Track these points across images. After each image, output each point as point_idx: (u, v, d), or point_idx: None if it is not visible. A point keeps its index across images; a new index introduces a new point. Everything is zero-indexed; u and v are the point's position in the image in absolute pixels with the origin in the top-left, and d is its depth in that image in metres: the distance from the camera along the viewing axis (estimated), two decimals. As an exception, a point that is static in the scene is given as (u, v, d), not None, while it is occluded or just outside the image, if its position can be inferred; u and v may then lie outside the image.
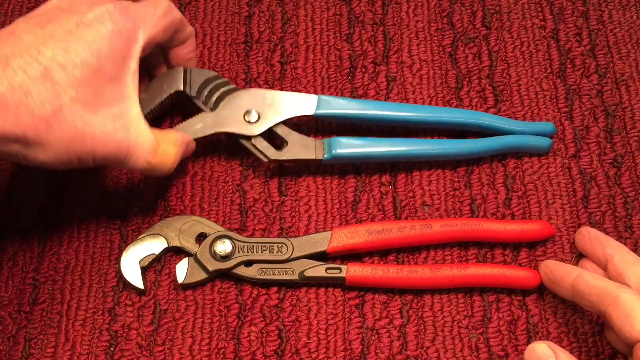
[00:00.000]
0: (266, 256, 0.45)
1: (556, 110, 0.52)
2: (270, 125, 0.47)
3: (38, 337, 0.44)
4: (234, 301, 0.45)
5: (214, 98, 0.48)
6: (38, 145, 0.37)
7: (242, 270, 0.45)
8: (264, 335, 0.44)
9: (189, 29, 0.47)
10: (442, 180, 0.49)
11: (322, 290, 0.46)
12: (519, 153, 0.50)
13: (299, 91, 0.52)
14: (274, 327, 0.45)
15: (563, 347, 0.43)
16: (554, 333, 0.44)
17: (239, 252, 0.45)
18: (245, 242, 0.45)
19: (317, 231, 0.47)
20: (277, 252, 0.45)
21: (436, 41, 0.54)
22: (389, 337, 0.44)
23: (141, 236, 0.46)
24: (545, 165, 0.50)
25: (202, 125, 0.47)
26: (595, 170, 0.49)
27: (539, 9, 0.55)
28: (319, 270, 0.45)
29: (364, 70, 0.53)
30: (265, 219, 0.48)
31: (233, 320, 0.45)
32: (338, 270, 0.44)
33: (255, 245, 0.45)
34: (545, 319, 0.45)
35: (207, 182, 0.49)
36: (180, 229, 0.46)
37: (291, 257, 0.45)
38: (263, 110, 0.47)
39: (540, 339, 0.44)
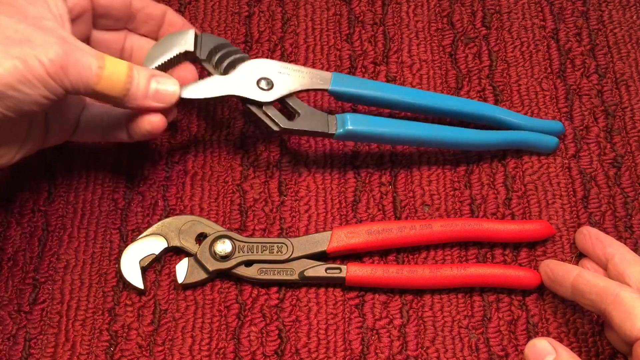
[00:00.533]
0: (266, 256, 0.45)
1: (556, 110, 0.52)
2: (284, 94, 0.45)
3: (38, 337, 0.44)
4: (234, 301, 0.45)
5: (225, 64, 0.46)
6: None
7: (242, 270, 0.45)
8: (264, 335, 0.44)
9: (154, 5, 0.45)
10: (442, 180, 0.49)
11: (322, 290, 0.46)
12: (519, 152, 0.50)
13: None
14: (274, 327, 0.45)
15: (563, 347, 0.43)
16: (554, 333, 0.44)
17: (239, 252, 0.45)
18: (245, 242, 0.45)
19: (317, 231, 0.47)
20: (277, 252, 0.45)
21: (436, 41, 0.54)
22: (389, 337, 0.44)
23: (141, 236, 0.46)
24: (545, 165, 0.50)
25: (212, 86, 0.44)
26: (595, 170, 0.49)
27: (539, 9, 0.55)
28: (318, 270, 0.45)
29: (364, 70, 0.53)
30: (265, 219, 0.48)
31: (233, 320, 0.45)
32: (338, 270, 0.44)
33: (255, 245, 0.45)
34: (545, 319, 0.45)
35: (207, 182, 0.49)
36: (180, 229, 0.46)
37: (291, 257, 0.45)
38: (277, 79, 0.45)
39: (540, 339, 0.44)
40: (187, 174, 0.50)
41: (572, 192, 0.49)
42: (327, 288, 0.46)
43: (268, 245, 0.45)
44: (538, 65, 0.53)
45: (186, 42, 0.45)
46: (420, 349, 0.44)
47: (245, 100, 0.45)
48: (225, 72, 0.45)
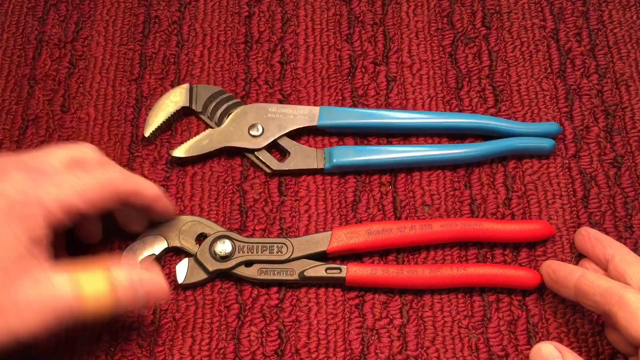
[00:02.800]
0: (266, 256, 0.45)
1: (556, 110, 0.52)
2: (274, 138, 0.49)
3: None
4: (234, 301, 0.45)
5: (219, 113, 0.50)
6: None
7: (242, 271, 0.45)
8: (264, 335, 0.44)
9: (149, 192, 0.42)
10: (442, 180, 0.49)
11: (322, 290, 0.46)
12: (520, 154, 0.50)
13: (299, 92, 0.52)
14: (274, 327, 0.45)
15: (563, 347, 0.43)
16: (554, 333, 0.44)
17: (239, 253, 0.45)
18: (245, 242, 0.45)
19: (317, 231, 0.47)
20: (277, 253, 0.45)
21: (436, 41, 0.54)
22: (389, 337, 0.44)
23: (141, 236, 0.46)
24: (545, 166, 0.50)
25: (208, 141, 0.49)
26: (595, 170, 0.49)
27: (539, 9, 0.55)
28: (319, 270, 0.45)
29: (364, 70, 0.53)
30: (265, 219, 0.48)
31: (233, 320, 0.45)
32: (338, 270, 0.44)
33: (255, 245, 0.45)
34: (545, 319, 0.45)
35: (207, 182, 0.49)
36: (180, 229, 0.46)
37: (291, 257, 0.45)
38: (267, 124, 0.49)
39: (540, 339, 0.44)
40: (187, 174, 0.50)
41: (572, 192, 0.49)
42: (327, 288, 0.46)
43: (268, 245, 0.45)
44: (538, 65, 0.53)
45: (181, 98, 0.50)
46: (420, 349, 0.44)
47: (238, 149, 0.49)
48: (220, 121, 0.50)
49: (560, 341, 0.44)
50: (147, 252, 0.45)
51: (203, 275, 0.45)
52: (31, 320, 0.34)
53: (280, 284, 0.46)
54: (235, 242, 0.45)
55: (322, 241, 0.45)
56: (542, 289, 0.45)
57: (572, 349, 0.44)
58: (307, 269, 0.45)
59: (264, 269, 0.45)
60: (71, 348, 0.44)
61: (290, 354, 0.44)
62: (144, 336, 0.44)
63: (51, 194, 0.36)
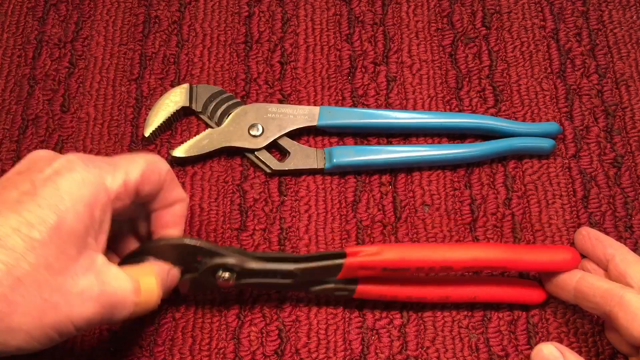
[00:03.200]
0: (271, 281, 0.42)
1: (556, 110, 0.52)
2: (274, 138, 0.49)
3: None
4: (234, 301, 0.45)
5: (219, 113, 0.50)
6: (3, 332, 0.31)
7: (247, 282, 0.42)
8: (264, 335, 0.44)
9: (178, 192, 0.41)
10: (442, 180, 0.49)
11: (322, 290, 0.46)
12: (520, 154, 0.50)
13: (299, 92, 0.52)
14: (274, 327, 0.45)
15: (563, 347, 0.43)
16: (554, 333, 0.44)
17: (242, 279, 0.41)
18: (247, 270, 0.41)
19: (317, 231, 0.47)
20: (281, 280, 0.42)
21: (436, 41, 0.54)
22: (389, 337, 0.44)
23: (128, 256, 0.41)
24: (545, 166, 0.50)
25: (208, 141, 0.49)
26: (595, 170, 0.49)
27: (539, 9, 0.55)
28: (327, 290, 0.43)
29: (364, 70, 0.53)
30: (265, 219, 0.48)
31: (233, 320, 0.45)
32: (346, 293, 0.43)
33: (259, 272, 0.41)
34: (545, 319, 0.45)
35: (207, 182, 0.49)
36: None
37: (298, 284, 0.42)
38: (267, 123, 0.49)
39: (540, 339, 0.44)
40: (187, 174, 0.50)
41: (572, 192, 0.49)
42: (327, 288, 0.46)
43: (271, 273, 0.41)
44: (538, 65, 0.53)
45: (181, 97, 0.50)
46: (420, 349, 0.44)
47: (238, 149, 0.49)
48: (220, 121, 0.50)
49: (560, 341, 0.44)
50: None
51: (207, 292, 0.45)
52: (90, 309, 0.34)
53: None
54: (236, 272, 0.41)
55: (332, 270, 0.41)
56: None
57: (572, 349, 0.44)
58: (315, 288, 0.43)
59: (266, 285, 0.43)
60: (71, 348, 0.44)
61: (290, 354, 0.44)
62: (143, 336, 0.44)
63: (116, 179, 0.36)
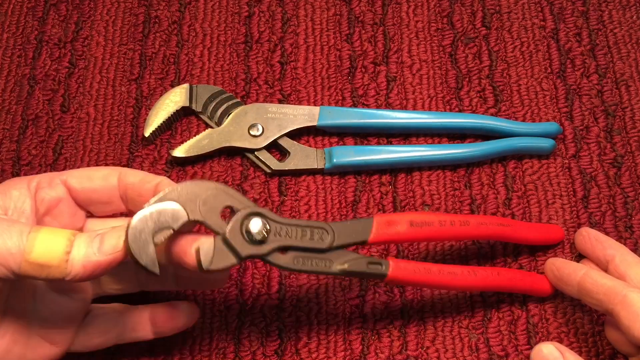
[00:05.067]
0: (305, 242, 0.38)
1: (556, 110, 0.52)
2: (274, 138, 0.49)
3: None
4: (234, 301, 0.45)
5: (218, 113, 0.50)
6: None
7: (277, 258, 0.37)
8: (264, 335, 0.44)
9: (153, 178, 0.38)
10: (442, 180, 0.49)
11: (322, 291, 0.46)
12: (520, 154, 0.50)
13: (299, 92, 0.52)
14: (274, 327, 0.45)
15: (563, 347, 0.43)
16: (554, 333, 0.44)
17: (274, 236, 0.37)
18: (281, 223, 0.37)
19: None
20: (317, 239, 0.38)
21: (436, 41, 0.54)
22: (389, 337, 0.44)
23: (154, 200, 0.35)
24: (545, 166, 0.50)
25: (208, 141, 0.49)
26: (595, 170, 0.49)
27: (539, 9, 0.55)
28: (360, 264, 0.39)
29: (364, 70, 0.53)
30: (265, 219, 0.48)
31: (233, 320, 0.45)
32: (380, 266, 0.39)
33: (293, 228, 0.38)
34: (545, 319, 0.45)
35: (207, 182, 0.49)
36: (202, 199, 0.36)
37: (332, 245, 0.38)
38: (267, 123, 0.49)
39: (540, 339, 0.44)
40: (187, 174, 0.50)
41: (572, 192, 0.49)
42: (326, 288, 0.46)
43: (308, 229, 0.38)
44: (538, 65, 0.53)
45: (181, 98, 0.50)
46: (420, 349, 0.44)
47: (238, 149, 0.49)
48: (220, 121, 0.50)
49: (561, 341, 0.44)
50: (162, 225, 0.35)
51: (233, 260, 0.36)
52: None
53: (318, 274, 0.44)
54: (271, 223, 0.37)
55: (363, 230, 0.39)
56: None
57: (572, 349, 0.44)
58: (348, 261, 0.39)
59: (300, 258, 0.38)
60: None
61: (290, 354, 0.44)
62: (144, 336, 0.44)
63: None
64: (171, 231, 0.35)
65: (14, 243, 0.32)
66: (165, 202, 0.35)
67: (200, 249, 0.36)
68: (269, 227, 0.37)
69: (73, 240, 0.33)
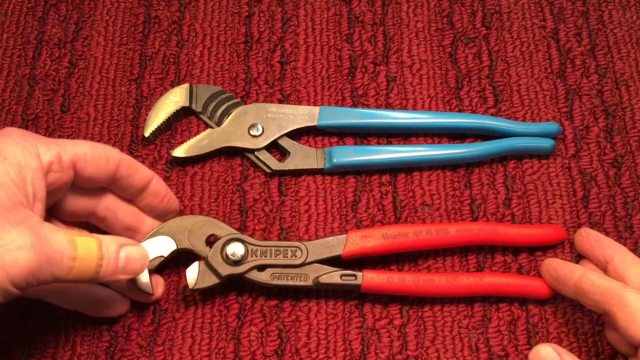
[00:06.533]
0: (279, 260, 0.43)
1: (556, 110, 0.52)
2: (274, 138, 0.49)
3: (38, 338, 0.44)
4: (234, 301, 0.45)
5: (218, 113, 0.50)
6: None
7: (255, 275, 0.43)
8: (264, 335, 0.44)
9: (143, 172, 0.43)
10: (442, 180, 0.49)
11: (322, 291, 0.46)
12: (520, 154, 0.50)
13: (299, 92, 0.52)
14: (274, 327, 0.45)
15: (563, 347, 0.42)
16: (554, 333, 0.44)
17: (251, 256, 0.43)
18: (257, 245, 0.44)
19: (317, 231, 0.47)
20: (291, 257, 0.44)
21: (436, 41, 0.54)
22: (389, 337, 0.44)
23: (148, 236, 0.44)
24: (545, 166, 0.50)
25: (208, 141, 0.49)
26: (595, 170, 0.49)
27: (539, 9, 0.55)
28: (333, 276, 0.43)
29: (364, 70, 0.53)
30: (265, 219, 0.48)
31: (233, 320, 0.45)
32: (353, 278, 0.43)
33: (268, 249, 0.44)
34: (545, 319, 0.45)
35: (207, 182, 0.49)
36: (189, 230, 0.44)
37: (305, 261, 0.43)
38: (267, 124, 0.49)
39: (540, 339, 0.44)
40: (187, 174, 0.50)
41: (572, 192, 0.49)
42: (326, 288, 0.46)
43: (282, 249, 0.44)
44: (538, 65, 0.53)
45: (181, 98, 0.50)
46: (420, 349, 0.44)
47: (238, 149, 0.49)
48: (220, 121, 0.50)
49: (560, 341, 0.44)
50: (155, 254, 0.43)
51: (214, 280, 0.43)
52: (23, 258, 0.33)
53: (295, 290, 0.45)
54: (248, 245, 0.43)
55: (336, 245, 0.44)
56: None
57: (572, 349, 0.44)
58: (322, 274, 0.43)
59: (277, 274, 0.44)
60: (71, 348, 0.44)
61: (290, 354, 0.44)
62: (143, 336, 0.44)
63: (50, 150, 0.37)
64: (162, 258, 0.43)
65: (65, 255, 0.35)
66: (157, 237, 0.44)
67: (187, 272, 0.43)
68: (245, 250, 0.43)
69: (102, 247, 0.37)
